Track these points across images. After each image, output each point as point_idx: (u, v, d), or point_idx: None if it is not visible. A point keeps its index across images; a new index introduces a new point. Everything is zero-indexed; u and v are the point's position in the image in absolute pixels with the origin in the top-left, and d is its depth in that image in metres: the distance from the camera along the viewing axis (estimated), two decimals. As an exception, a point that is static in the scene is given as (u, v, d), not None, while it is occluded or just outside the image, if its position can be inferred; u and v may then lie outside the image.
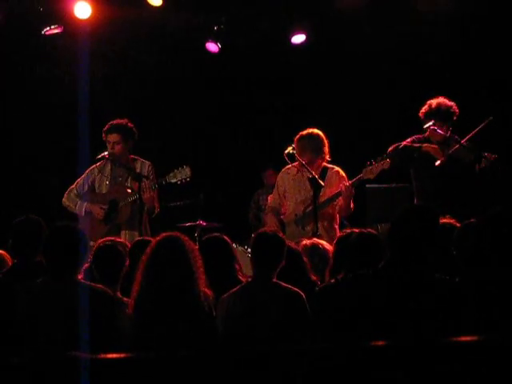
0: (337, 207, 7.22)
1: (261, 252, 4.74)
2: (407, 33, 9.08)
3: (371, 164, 6.98)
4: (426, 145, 7.24)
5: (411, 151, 7.25)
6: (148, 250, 4.51)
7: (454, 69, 9.08)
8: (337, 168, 7.33)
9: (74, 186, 7.47)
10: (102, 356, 3.70)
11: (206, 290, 4.44)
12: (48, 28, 8.60)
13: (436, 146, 7.19)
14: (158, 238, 4.55)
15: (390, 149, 7.29)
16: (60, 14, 8.59)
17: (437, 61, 9.22)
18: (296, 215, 7.27)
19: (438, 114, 7.19)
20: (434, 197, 7.08)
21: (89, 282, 4.60)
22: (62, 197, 7.51)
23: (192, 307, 4.35)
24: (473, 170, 7.05)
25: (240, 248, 8.17)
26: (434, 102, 7.24)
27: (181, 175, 7.07)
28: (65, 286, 4.33)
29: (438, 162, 7.07)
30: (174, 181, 7.09)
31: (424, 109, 7.29)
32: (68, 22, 8.62)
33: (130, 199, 7.18)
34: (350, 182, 7.08)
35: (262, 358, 3.46)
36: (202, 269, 4.45)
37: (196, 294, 4.37)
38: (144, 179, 7.07)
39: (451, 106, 7.23)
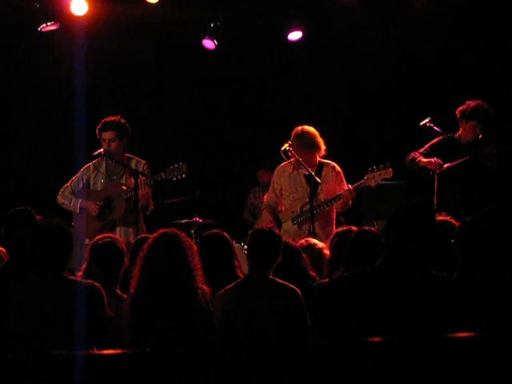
0: (335, 204, 7.22)
1: (257, 249, 4.74)
2: (404, 29, 9.08)
3: (373, 170, 6.99)
4: (424, 160, 7.29)
5: (414, 163, 7.35)
6: (145, 246, 4.50)
7: (453, 65, 9.08)
8: (332, 163, 7.34)
9: (68, 184, 7.46)
10: (97, 352, 3.70)
11: (203, 286, 4.43)
12: (44, 25, 8.56)
13: (434, 161, 7.23)
14: (155, 235, 4.54)
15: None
16: (56, 11, 8.57)
17: (435, 57, 9.22)
18: (292, 212, 7.27)
19: (474, 114, 7.28)
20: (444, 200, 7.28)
21: (77, 278, 4.62)
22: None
23: (189, 304, 4.34)
24: (490, 173, 7.24)
25: (237, 245, 8.16)
26: (471, 102, 7.33)
27: (177, 172, 7.06)
28: (53, 282, 4.31)
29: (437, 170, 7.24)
30: (169, 177, 7.08)
31: (460, 108, 7.37)
32: (64, 19, 8.60)
33: (125, 196, 7.18)
34: (353, 186, 7.07)
35: (259, 354, 3.46)
36: (199, 265, 4.45)
37: (193, 290, 4.37)
38: (140, 175, 7.05)
39: (487, 109, 7.31)
